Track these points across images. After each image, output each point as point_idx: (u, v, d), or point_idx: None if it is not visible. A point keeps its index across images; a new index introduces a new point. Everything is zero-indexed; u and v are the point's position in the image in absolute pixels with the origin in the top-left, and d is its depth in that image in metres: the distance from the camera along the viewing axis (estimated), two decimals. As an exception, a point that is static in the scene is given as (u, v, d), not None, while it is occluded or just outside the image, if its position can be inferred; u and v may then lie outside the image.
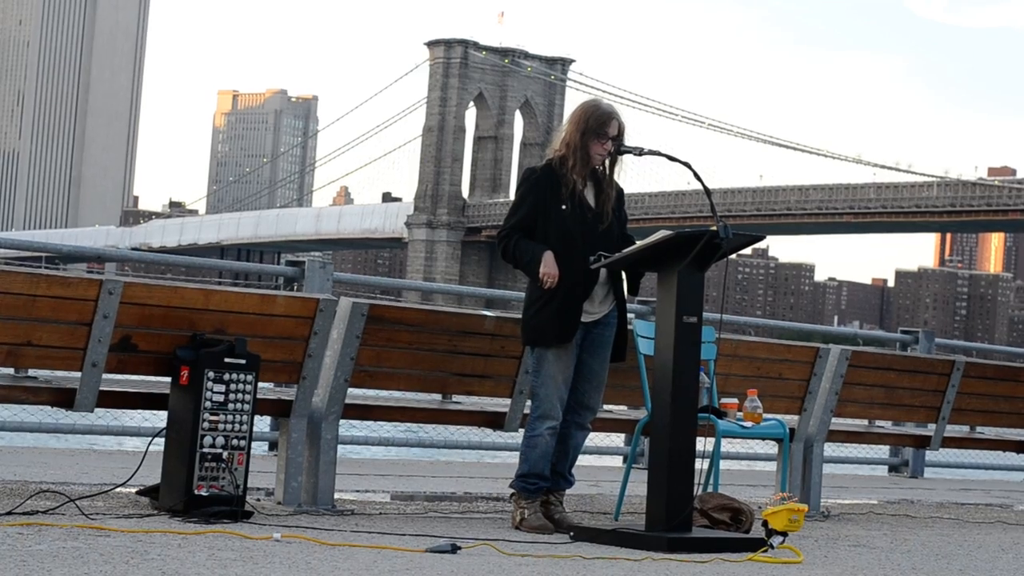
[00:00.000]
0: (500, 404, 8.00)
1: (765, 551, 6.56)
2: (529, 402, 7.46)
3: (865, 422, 9.94)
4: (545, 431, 7.07)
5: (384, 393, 8.05)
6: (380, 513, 7.43)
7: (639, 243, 6.87)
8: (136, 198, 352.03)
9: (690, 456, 6.74)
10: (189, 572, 5.01)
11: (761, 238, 7.40)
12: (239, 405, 6.65)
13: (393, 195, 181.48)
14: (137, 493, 6.99)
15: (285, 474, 7.25)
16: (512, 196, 7.35)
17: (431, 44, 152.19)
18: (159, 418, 7.05)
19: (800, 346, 9.12)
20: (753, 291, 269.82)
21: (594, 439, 11.71)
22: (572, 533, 6.84)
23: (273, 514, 6.92)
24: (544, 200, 7.07)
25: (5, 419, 9.77)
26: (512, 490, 7.18)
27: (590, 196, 7.13)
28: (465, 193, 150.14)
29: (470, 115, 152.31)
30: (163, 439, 6.74)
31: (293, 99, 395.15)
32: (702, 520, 7.21)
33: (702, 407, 7.42)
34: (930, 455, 14.55)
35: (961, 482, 14.68)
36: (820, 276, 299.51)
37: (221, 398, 6.61)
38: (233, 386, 6.64)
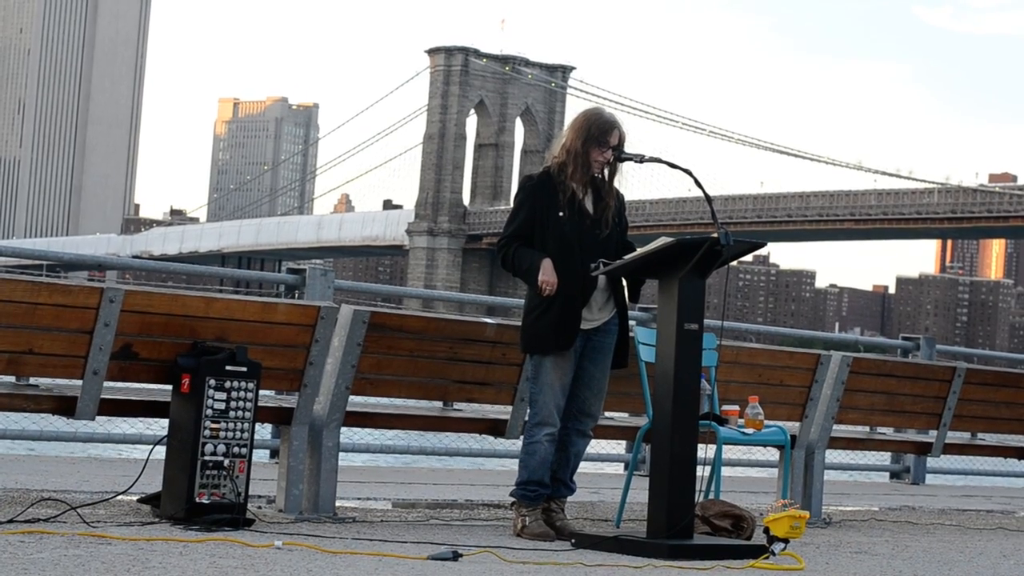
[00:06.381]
0: (501, 411, 8.00)
1: (767, 558, 6.56)
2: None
3: (866, 429, 9.94)
4: (543, 437, 7.07)
5: (385, 400, 8.04)
6: (381, 520, 7.43)
7: (640, 250, 6.88)
8: (137, 206, 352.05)
9: (691, 463, 6.74)
10: (190, 580, 5.01)
11: (762, 245, 7.41)
12: (240, 413, 6.66)
13: (394, 203, 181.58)
14: (138, 501, 6.99)
15: (286, 482, 7.25)
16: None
17: (432, 52, 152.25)
18: (160, 426, 7.06)
19: (801, 353, 9.12)
20: (754, 298, 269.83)
21: (595, 446, 11.69)
22: (573, 540, 6.84)
23: (274, 522, 6.92)
24: (542, 207, 7.07)
25: (6, 427, 9.77)
26: (513, 498, 7.18)
27: (589, 203, 7.13)
28: (466, 200, 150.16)
29: (471, 122, 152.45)
30: (164, 447, 6.75)
31: (294, 107, 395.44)
32: (703, 527, 7.21)
33: (703, 414, 7.43)
34: (931, 461, 14.56)
35: (962, 488, 14.68)
36: (821, 283, 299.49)
37: (222, 406, 6.61)
38: (234, 394, 6.64)
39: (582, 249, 7.01)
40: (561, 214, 7.05)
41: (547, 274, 6.96)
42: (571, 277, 6.99)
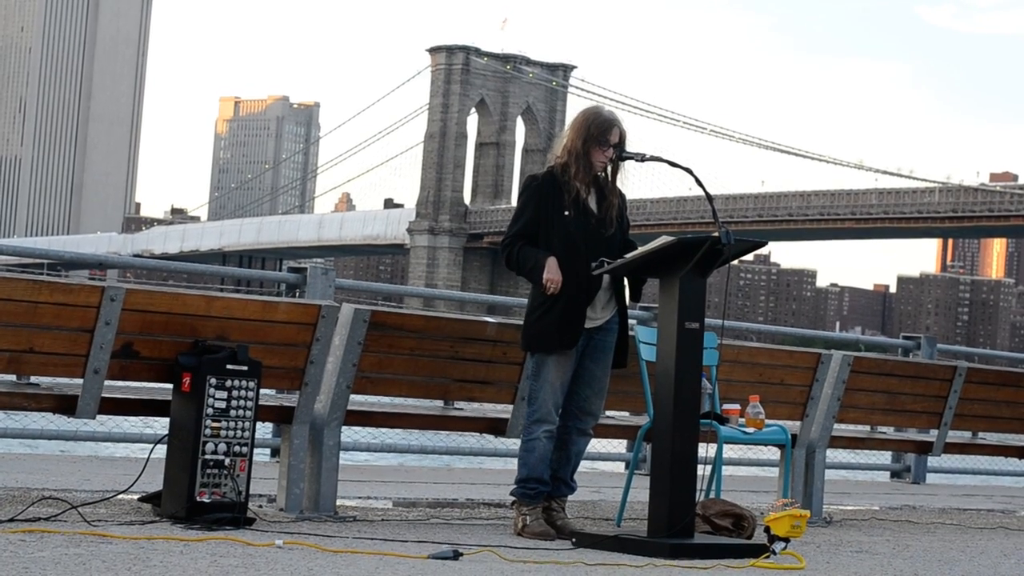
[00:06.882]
0: (502, 410, 8.00)
1: (767, 557, 6.55)
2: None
3: (867, 428, 9.94)
4: (542, 434, 7.07)
5: (386, 399, 8.04)
6: (382, 519, 7.43)
7: (641, 249, 6.87)
8: (138, 205, 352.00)
9: (692, 462, 6.74)
10: (191, 579, 5.01)
11: (763, 244, 7.41)
12: (241, 412, 6.66)
13: (395, 201, 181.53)
14: (139, 500, 6.99)
15: (287, 480, 7.25)
16: (514, 202, 7.34)
17: (433, 51, 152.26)
18: (161, 425, 7.06)
19: (802, 352, 9.12)
20: (755, 297, 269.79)
21: (596, 445, 11.71)
22: (574, 539, 6.84)
23: (275, 521, 6.92)
24: (546, 207, 7.07)
25: (7, 426, 9.78)
26: (513, 497, 7.18)
27: (592, 202, 7.13)
28: (467, 199, 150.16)
29: (472, 121, 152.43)
30: (165, 446, 6.75)
31: (295, 105, 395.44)
32: (704, 526, 7.21)
33: (704, 413, 7.42)
34: (932, 461, 14.55)
35: (963, 488, 14.68)
36: (822, 282, 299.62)
37: (223, 405, 6.61)
38: (235, 392, 6.64)
39: (587, 248, 7.01)
40: (567, 213, 7.05)
41: (552, 272, 6.96)
42: (576, 276, 6.99)
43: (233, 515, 6.52)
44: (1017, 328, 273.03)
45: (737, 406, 7.92)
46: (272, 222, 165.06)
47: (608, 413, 8.35)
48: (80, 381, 6.63)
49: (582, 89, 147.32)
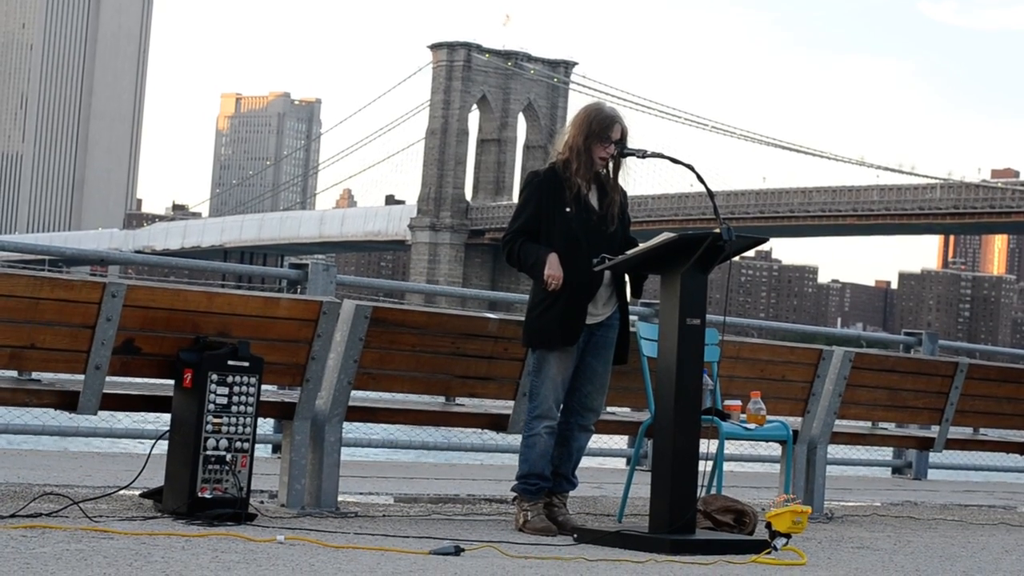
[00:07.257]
0: (503, 406, 8.00)
1: (769, 553, 6.56)
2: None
3: (868, 424, 9.94)
4: (543, 430, 7.07)
5: (387, 395, 8.05)
6: (383, 515, 7.43)
7: (642, 245, 6.88)
8: (139, 201, 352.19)
9: (693, 458, 6.74)
10: (192, 575, 5.01)
11: (764, 240, 7.41)
12: (242, 408, 6.66)
13: (396, 198, 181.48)
14: (141, 496, 7.00)
15: (289, 476, 7.25)
16: (515, 199, 7.34)
17: (434, 47, 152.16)
18: (162, 421, 7.06)
19: (803, 348, 9.12)
20: (756, 293, 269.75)
21: (597, 441, 11.71)
22: (576, 535, 6.84)
23: (277, 516, 6.92)
24: (548, 203, 7.07)
25: (8, 422, 9.78)
26: (514, 493, 7.19)
27: (594, 199, 7.14)
28: (468, 196, 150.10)
29: (473, 118, 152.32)
30: (166, 442, 6.75)
31: (296, 102, 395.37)
32: (705, 522, 7.21)
33: (705, 409, 7.42)
34: (933, 457, 14.55)
35: (964, 484, 14.68)
36: (823, 278, 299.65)
37: (224, 401, 6.61)
38: (236, 388, 6.64)
39: (588, 244, 7.02)
40: (568, 210, 7.05)
41: (553, 268, 6.96)
42: (577, 272, 6.99)
43: (234, 511, 6.52)
44: (1018, 324, 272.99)
45: (738, 402, 7.92)
46: (273, 218, 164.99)
47: (609, 409, 8.35)
48: (81, 377, 6.63)
49: (583, 86, 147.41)
